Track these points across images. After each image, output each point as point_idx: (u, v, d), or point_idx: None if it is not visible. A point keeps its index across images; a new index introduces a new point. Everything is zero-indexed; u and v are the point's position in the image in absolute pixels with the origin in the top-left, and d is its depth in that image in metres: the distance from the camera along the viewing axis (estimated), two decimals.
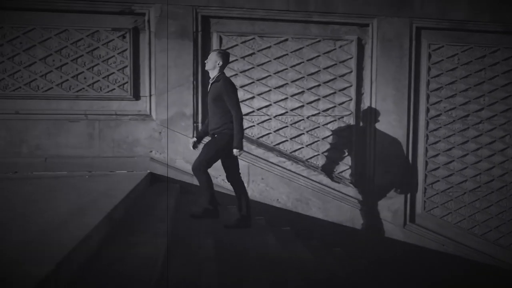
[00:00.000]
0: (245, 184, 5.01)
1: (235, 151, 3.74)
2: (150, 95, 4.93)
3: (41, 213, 2.76)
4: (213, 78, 3.84)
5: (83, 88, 4.87)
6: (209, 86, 3.88)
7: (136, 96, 4.95)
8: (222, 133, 3.79)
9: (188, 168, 4.91)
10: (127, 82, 4.92)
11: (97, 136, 4.84)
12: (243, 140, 3.84)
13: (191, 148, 4.10)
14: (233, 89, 3.78)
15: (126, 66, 4.91)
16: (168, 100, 4.91)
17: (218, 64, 3.80)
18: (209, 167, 3.84)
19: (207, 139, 4.16)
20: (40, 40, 4.78)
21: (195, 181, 4.84)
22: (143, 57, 4.94)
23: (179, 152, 4.95)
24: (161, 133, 4.92)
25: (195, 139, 4.12)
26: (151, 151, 4.92)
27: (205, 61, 3.88)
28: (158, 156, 4.92)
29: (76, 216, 2.68)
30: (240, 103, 3.88)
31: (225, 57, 3.85)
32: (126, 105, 4.93)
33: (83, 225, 2.42)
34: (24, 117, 4.75)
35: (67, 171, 4.76)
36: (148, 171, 4.88)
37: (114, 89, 4.90)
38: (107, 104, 4.90)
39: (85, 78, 4.87)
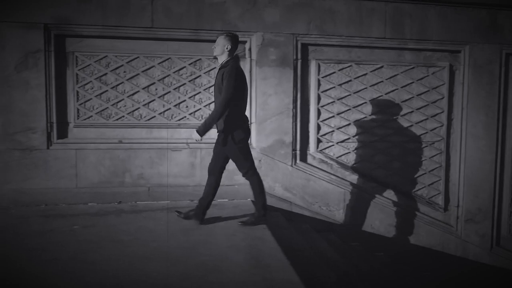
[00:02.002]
0: (341, 210, 5.09)
1: (194, 134, 3.43)
2: (250, 123, 4.93)
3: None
4: (221, 64, 3.47)
5: (185, 117, 4.85)
6: (217, 73, 3.52)
7: None
8: (233, 131, 3.44)
9: (287, 195, 4.96)
10: None
11: (198, 165, 4.83)
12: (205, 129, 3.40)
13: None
14: (236, 76, 3.34)
15: None
16: (268, 128, 4.91)
17: (227, 48, 3.42)
18: (254, 166, 3.67)
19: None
20: (143, 69, 4.75)
21: (294, 208, 4.91)
22: None
23: (278, 180, 4.95)
24: (260, 161, 4.92)
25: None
26: None
27: (213, 47, 3.50)
28: None
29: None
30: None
31: (234, 40, 3.47)
32: None
33: None
34: (127, 146, 4.73)
35: (169, 200, 4.75)
36: (249, 199, 4.88)
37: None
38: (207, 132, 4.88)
39: (187, 106, 4.85)
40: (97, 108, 4.69)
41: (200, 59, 4.83)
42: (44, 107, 4.54)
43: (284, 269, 2.78)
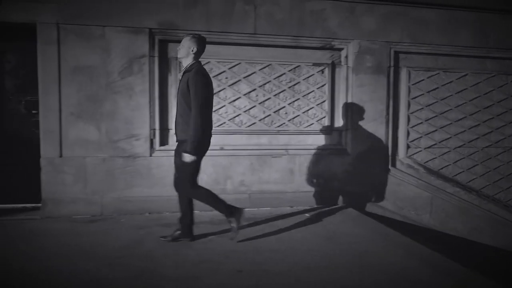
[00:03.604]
0: (428, 214, 5.19)
1: (185, 156, 3.13)
2: (346, 129, 4.98)
3: None
4: (185, 68, 3.27)
5: (284, 123, 4.85)
6: (181, 77, 3.32)
7: (332, 130, 4.98)
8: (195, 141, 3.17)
9: (379, 200, 5.03)
10: (324, 117, 4.94)
11: (297, 171, 4.83)
12: (197, 145, 3.13)
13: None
14: (202, 81, 3.12)
15: (324, 101, 4.93)
16: (363, 134, 4.97)
17: (192, 50, 3.22)
18: (196, 181, 3.32)
19: None
20: (244, 75, 4.72)
21: (386, 213, 4.97)
22: (338, 91, 4.97)
23: (371, 186, 5.01)
24: (355, 167, 4.97)
25: None
26: (345, 185, 4.97)
27: (178, 48, 3.31)
28: (353, 190, 4.97)
29: None
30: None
31: (200, 42, 3.26)
32: (322, 140, 4.95)
33: None
34: (228, 152, 4.68)
35: (270, 207, 4.75)
36: (344, 204, 4.93)
37: (312, 123, 4.91)
38: (304, 138, 4.91)
39: (286, 113, 4.85)
40: None
41: (299, 65, 4.84)
42: (147, 114, 4.45)
43: None
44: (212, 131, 4.60)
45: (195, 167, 3.26)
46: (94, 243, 3.43)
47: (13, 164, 4.53)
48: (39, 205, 4.44)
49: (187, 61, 3.28)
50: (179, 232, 3.49)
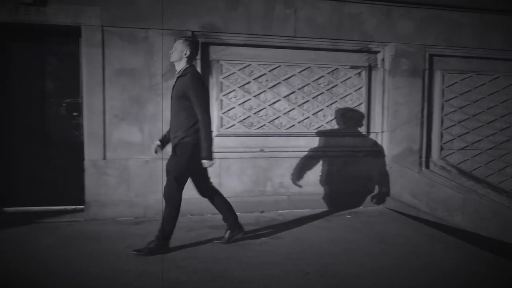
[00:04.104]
0: (460, 215, 5.25)
1: (204, 162, 3.15)
2: (382, 131, 5.03)
3: None
4: (179, 72, 3.20)
5: (322, 125, 4.89)
6: (174, 81, 3.24)
7: (368, 132, 5.03)
8: (184, 143, 3.15)
9: (414, 201, 5.08)
10: (361, 119, 4.98)
11: (335, 173, 4.87)
12: (212, 148, 3.17)
13: (153, 152, 3.40)
14: (201, 85, 3.13)
15: (361, 103, 4.97)
16: (398, 136, 5.02)
17: (185, 54, 3.15)
18: (181, 188, 3.22)
19: None
20: (284, 77, 4.76)
21: (420, 214, 5.02)
22: (374, 94, 5.02)
23: (406, 187, 5.07)
24: (391, 168, 5.02)
25: (158, 142, 3.41)
26: (381, 186, 5.02)
27: (170, 52, 3.24)
28: (389, 191, 5.02)
29: None
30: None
31: (193, 45, 3.20)
32: (359, 141, 5.00)
33: None
34: (268, 155, 4.72)
35: (309, 209, 4.79)
36: (381, 206, 4.98)
37: (349, 125, 4.96)
38: (341, 140, 4.95)
39: (324, 115, 4.89)
40: (240, 116, 4.66)
41: (337, 68, 4.88)
42: None
43: None
44: (253, 132, 4.71)
45: (185, 169, 3.20)
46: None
47: (55, 167, 4.53)
48: (81, 207, 4.45)
49: (180, 65, 3.20)
50: (229, 232, 3.51)
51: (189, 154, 3.15)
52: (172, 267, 2.97)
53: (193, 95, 3.06)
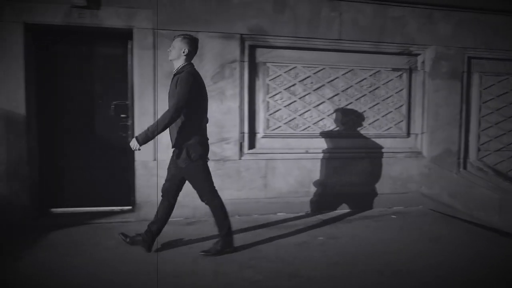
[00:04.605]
0: (497, 216, 5.32)
1: (132, 142, 3.00)
2: (422, 133, 5.09)
3: None
4: (176, 70, 3.12)
5: (364, 127, 4.96)
6: (172, 79, 3.15)
7: (408, 134, 5.10)
8: (193, 145, 3.07)
9: (452, 202, 5.15)
10: (402, 121, 5.06)
11: (376, 173, 4.94)
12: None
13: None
14: (190, 80, 2.98)
15: (402, 105, 5.04)
16: (438, 137, 5.09)
17: (184, 52, 3.07)
18: (212, 188, 3.21)
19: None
20: (328, 80, 4.82)
21: (458, 215, 5.09)
22: (414, 96, 5.09)
23: (445, 187, 5.14)
24: (430, 169, 5.09)
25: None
26: (421, 187, 5.09)
27: (168, 50, 3.17)
28: (428, 192, 5.10)
29: None
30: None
31: (192, 43, 3.11)
32: (398, 143, 5.07)
33: None
34: (312, 156, 4.78)
35: (352, 209, 4.85)
36: (421, 206, 5.05)
37: (391, 127, 5.03)
38: (382, 141, 5.02)
39: (366, 117, 4.96)
40: (285, 118, 4.72)
41: (379, 70, 4.95)
42: (237, 118, 4.53)
43: None
44: (298, 134, 4.76)
45: (197, 175, 3.15)
46: (205, 246, 3.47)
47: (104, 168, 4.58)
48: (128, 208, 4.52)
49: (178, 63, 3.12)
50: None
51: (199, 156, 3.09)
52: (244, 267, 3.03)
53: (178, 88, 2.95)
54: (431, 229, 4.12)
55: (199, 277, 2.85)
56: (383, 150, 4.98)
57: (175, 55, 3.11)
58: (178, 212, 4.39)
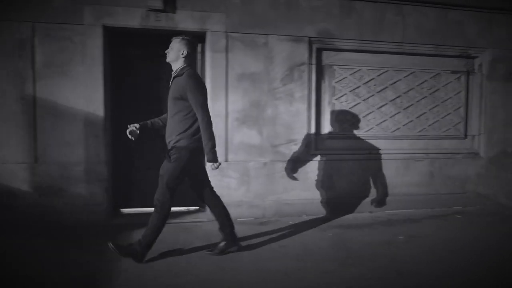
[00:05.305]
0: None
1: (210, 165, 3.03)
2: (479, 134, 5.19)
3: None
4: (175, 72, 3.06)
5: (424, 128, 5.04)
6: (171, 81, 3.09)
7: (466, 135, 5.19)
8: (178, 147, 2.99)
9: (509, 203, 5.23)
10: (460, 122, 5.15)
11: (436, 174, 5.03)
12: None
13: (128, 134, 3.13)
14: (199, 85, 2.99)
15: (460, 107, 5.13)
16: (494, 138, 5.18)
17: (182, 54, 3.02)
18: (172, 195, 3.04)
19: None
20: (391, 82, 4.90)
21: None
22: (471, 98, 5.18)
23: (502, 188, 5.22)
24: (487, 170, 5.18)
25: (137, 125, 3.17)
26: (478, 187, 5.18)
27: (166, 51, 3.10)
28: (486, 192, 5.18)
29: None
30: None
31: (190, 45, 3.06)
32: (456, 144, 5.16)
33: None
34: (375, 157, 4.86)
35: (412, 209, 4.93)
36: (478, 206, 5.14)
37: (449, 128, 5.12)
38: (440, 143, 5.11)
39: (426, 118, 5.04)
40: (350, 120, 4.81)
41: (439, 73, 5.04)
42: (305, 119, 4.60)
43: None
44: (362, 135, 4.84)
45: (178, 175, 3.04)
46: (296, 245, 3.57)
47: None
48: (195, 208, 4.61)
49: (177, 65, 3.06)
50: (224, 243, 3.33)
51: (185, 159, 2.99)
52: (346, 265, 3.11)
53: (190, 95, 2.91)
54: (504, 228, 4.21)
55: (307, 276, 2.92)
56: (441, 151, 5.07)
57: (173, 57, 3.05)
58: (248, 212, 4.51)
